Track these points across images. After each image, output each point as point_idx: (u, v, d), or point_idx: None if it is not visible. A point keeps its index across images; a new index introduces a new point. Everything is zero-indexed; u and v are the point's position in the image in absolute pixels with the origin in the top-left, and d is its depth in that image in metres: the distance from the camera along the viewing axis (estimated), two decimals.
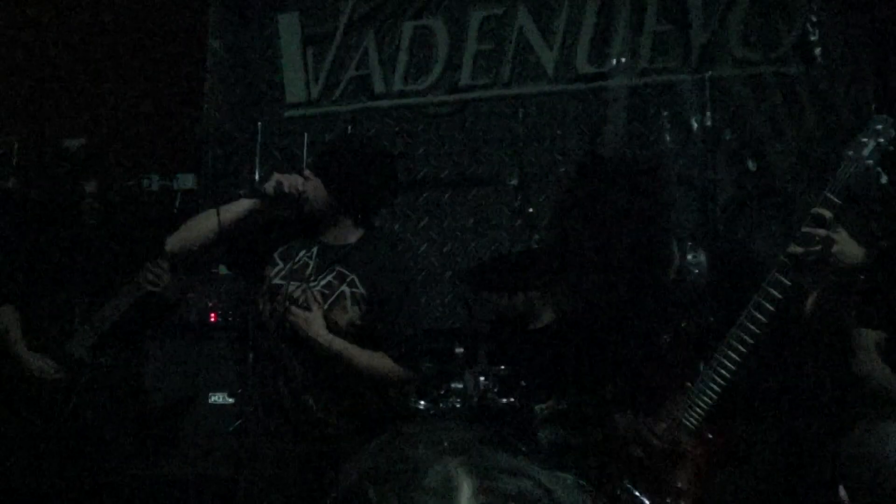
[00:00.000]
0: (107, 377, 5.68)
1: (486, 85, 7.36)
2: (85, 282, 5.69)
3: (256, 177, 7.19)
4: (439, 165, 7.44)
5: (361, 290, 4.36)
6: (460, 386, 5.54)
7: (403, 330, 4.41)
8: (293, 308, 4.33)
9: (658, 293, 4.49)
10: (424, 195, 7.42)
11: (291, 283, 4.41)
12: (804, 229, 3.75)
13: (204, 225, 4.50)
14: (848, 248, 3.76)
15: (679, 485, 4.22)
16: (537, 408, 5.48)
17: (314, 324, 4.29)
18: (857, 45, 6.42)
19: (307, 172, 4.48)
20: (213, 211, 4.46)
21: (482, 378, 5.48)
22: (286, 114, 7.96)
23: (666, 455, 4.28)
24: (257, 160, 7.32)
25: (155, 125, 7.68)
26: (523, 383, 5.43)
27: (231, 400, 6.27)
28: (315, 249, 4.47)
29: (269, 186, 4.39)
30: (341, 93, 7.81)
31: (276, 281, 4.45)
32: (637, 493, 4.38)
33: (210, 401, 6.39)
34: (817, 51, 6.39)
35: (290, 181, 4.40)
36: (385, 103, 7.66)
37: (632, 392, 4.50)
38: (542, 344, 5.73)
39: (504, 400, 5.41)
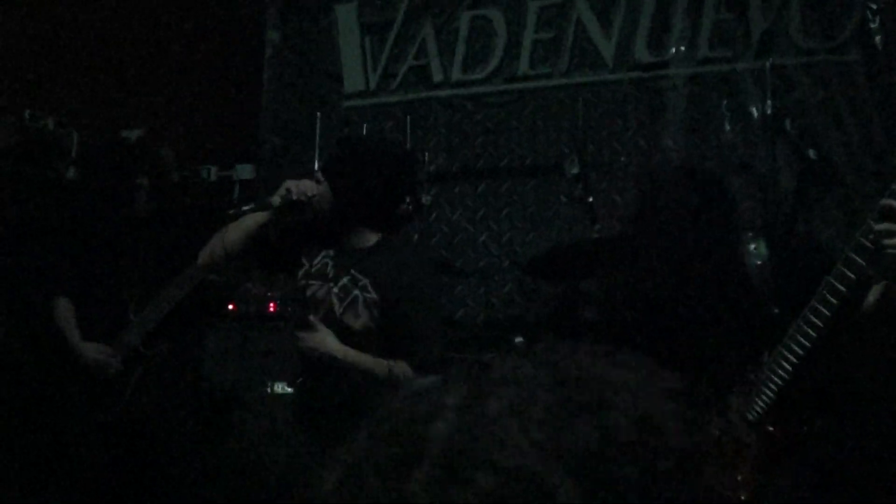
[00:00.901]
0: (164, 367, 5.73)
1: (545, 74, 7.33)
2: (140, 272, 5.75)
3: (315, 166, 7.22)
4: (498, 155, 7.42)
5: (374, 295, 4.34)
6: None
7: (423, 337, 4.38)
8: (299, 334, 4.33)
9: (720, 284, 4.48)
10: (483, 185, 7.42)
11: (311, 282, 4.45)
12: (872, 223, 3.72)
13: (218, 244, 4.51)
14: None
15: (739, 477, 4.21)
16: None
17: (325, 341, 4.27)
18: None
19: (318, 175, 4.48)
20: (222, 230, 4.48)
21: None
22: (345, 104, 7.97)
23: (726, 447, 4.27)
24: (316, 151, 7.34)
25: (213, 116, 7.72)
26: None
27: (290, 390, 6.29)
28: (332, 251, 4.48)
29: (277, 196, 4.35)
30: (399, 83, 7.81)
31: (302, 281, 4.49)
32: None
33: (270, 391, 6.41)
34: (878, 38, 6.33)
35: (299, 187, 4.36)
36: (443, 93, 7.66)
37: (693, 382, 4.51)
38: (604, 333, 5.73)
39: None
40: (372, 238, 4.50)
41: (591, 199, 5.80)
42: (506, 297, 7.18)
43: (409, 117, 7.42)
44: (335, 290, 4.38)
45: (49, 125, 6.67)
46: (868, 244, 3.73)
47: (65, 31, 6.95)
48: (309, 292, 4.44)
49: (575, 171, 6.00)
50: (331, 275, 4.42)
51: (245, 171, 7.39)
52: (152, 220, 5.88)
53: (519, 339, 5.76)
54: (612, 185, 6.86)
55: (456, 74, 7.62)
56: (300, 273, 4.50)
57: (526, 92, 7.40)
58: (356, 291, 4.35)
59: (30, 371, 6.03)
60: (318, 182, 4.42)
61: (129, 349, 5.66)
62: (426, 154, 7.30)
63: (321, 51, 8.16)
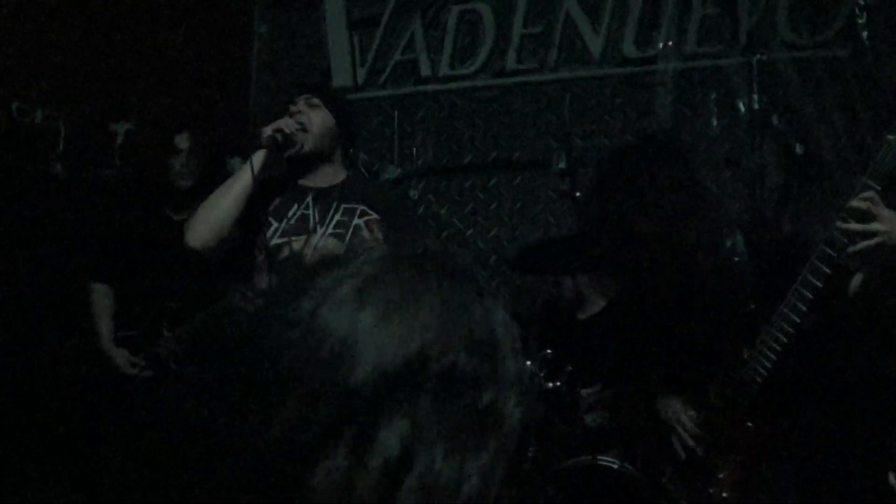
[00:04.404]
0: (193, 385, 5.72)
1: (533, 69, 7.33)
2: (175, 284, 5.69)
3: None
4: (486, 150, 7.42)
5: (374, 215, 4.29)
6: None
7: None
8: None
9: (702, 279, 4.49)
10: (471, 180, 7.41)
11: (293, 238, 4.27)
12: (840, 224, 3.75)
13: (232, 196, 4.25)
14: (893, 228, 3.73)
15: (721, 475, 4.22)
16: (584, 392, 5.48)
17: None
18: None
19: (301, 106, 4.38)
20: (240, 175, 4.24)
21: (528, 362, 5.47)
22: None
23: (708, 443, 4.28)
24: None
25: (202, 110, 7.70)
26: (570, 368, 5.42)
27: None
28: (309, 198, 4.36)
29: (276, 135, 4.27)
30: (387, 77, 7.80)
31: (276, 241, 4.27)
32: (679, 480, 4.39)
33: None
34: (865, 34, 6.34)
35: (286, 124, 4.31)
36: (431, 87, 7.65)
37: (678, 378, 4.51)
38: (591, 329, 5.73)
39: (550, 384, 5.40)
40: (343, 172, 4.49)
41: (578, 194, 5.80)
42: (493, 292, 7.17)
43: (397, 112, 7.44)
44: (329, 233, 4.28)
45: (37, 118, 6.65)
46: (840, 238, 3.76)
47: (52, 24, 6.93)
48: (285, 253, 4.24)
49: (562, 165, 6.00)
50: (316, 220, 4.31)
51: (234, 166, 7.38)
52: None
53: None
54: (599, 180, 6.85)
55: (444, 69, 7.61)
56: (270, 233, 4.28)
57: (514, 87, 7.39)
58: (356, 220, 4.28)
59: (56, 363, 6.02)
60: (297, 112, 4.36)
61: (160, 360, 5.63)
62: (414, 149, 7.31)
63: (310, 45, 8.14)
